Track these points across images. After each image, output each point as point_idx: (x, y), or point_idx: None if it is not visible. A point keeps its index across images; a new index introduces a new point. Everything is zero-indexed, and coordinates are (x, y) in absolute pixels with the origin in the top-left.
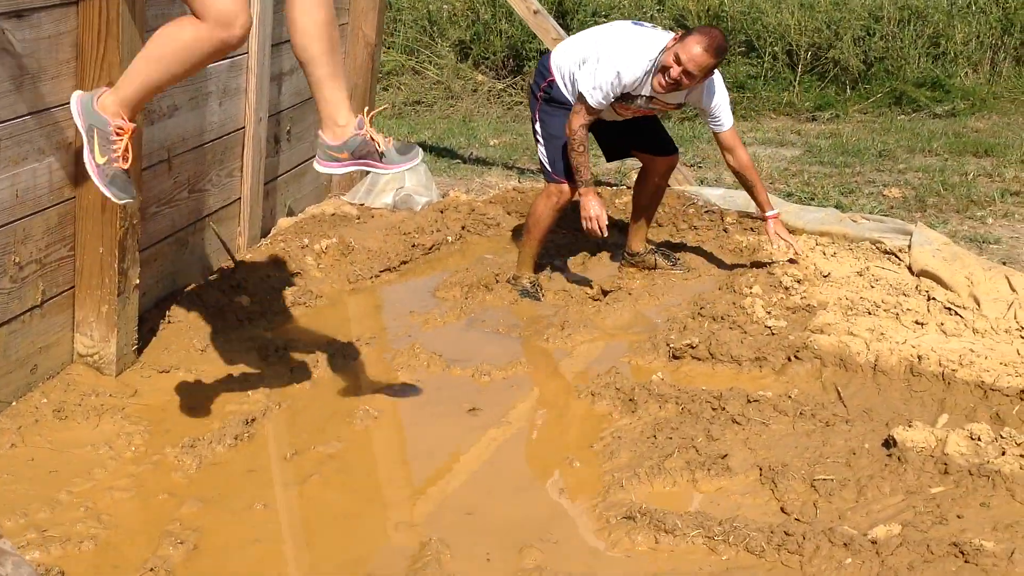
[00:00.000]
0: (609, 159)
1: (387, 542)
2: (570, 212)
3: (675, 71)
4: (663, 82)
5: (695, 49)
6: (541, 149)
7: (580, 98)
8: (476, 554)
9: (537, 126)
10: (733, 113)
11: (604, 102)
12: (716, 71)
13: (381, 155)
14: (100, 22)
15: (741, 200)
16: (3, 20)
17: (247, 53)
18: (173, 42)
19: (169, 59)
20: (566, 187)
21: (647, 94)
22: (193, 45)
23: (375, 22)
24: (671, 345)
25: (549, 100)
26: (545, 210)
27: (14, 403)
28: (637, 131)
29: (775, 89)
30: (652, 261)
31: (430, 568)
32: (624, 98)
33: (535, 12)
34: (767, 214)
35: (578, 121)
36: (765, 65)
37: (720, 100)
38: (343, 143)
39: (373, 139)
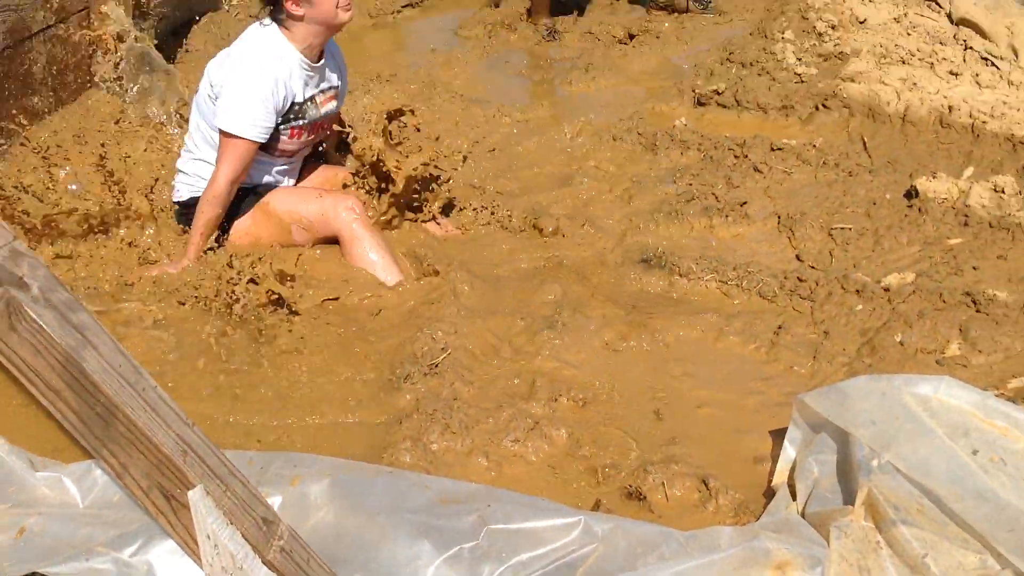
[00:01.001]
0: None
1: (412, 282)
2: None
3: None
4: None
5: None
6: None
7: None
8: (489, 287)
9: None
10: None
11: None
12: None
13: None
14: None
15: None
16: None
17: None
18: None
19: None
20: None
21: None
22: None
23: None
24: (696, 91)
25: None
26: None
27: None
28: None
29: None
30: (683, 4)
31: (446, 299)
32: None
33: None
34: None
35: None
36: None
37: None
38: None
39: None
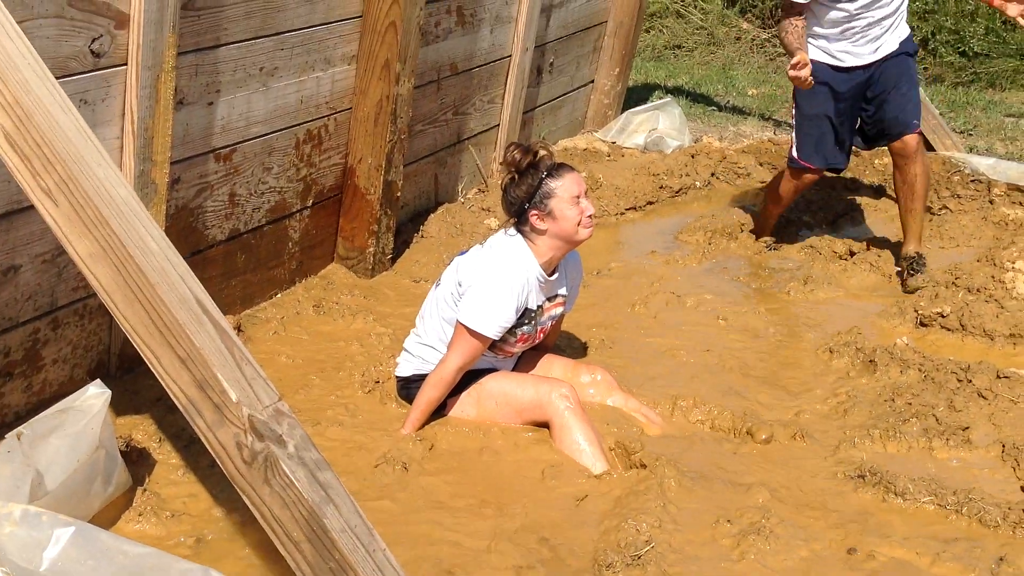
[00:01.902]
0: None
1: (619, 473)
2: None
3: None
4: None
5: None
6: (793, 129)
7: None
8: (697, 485)
9: (794, 104)
10: None
11: None
12: None
13: None
14: None
15: (1012, 172)
16: None
17: None
18: None
19: None
20: (809, 176)
21: None
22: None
23: None
24: (919, 311)
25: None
26: (786, 192)
27: (279, 295)
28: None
29: None
30: (909, 286)
31: (652, 492)
32: None
33: None
34: None
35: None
36: None
37: None
38: None
39: None
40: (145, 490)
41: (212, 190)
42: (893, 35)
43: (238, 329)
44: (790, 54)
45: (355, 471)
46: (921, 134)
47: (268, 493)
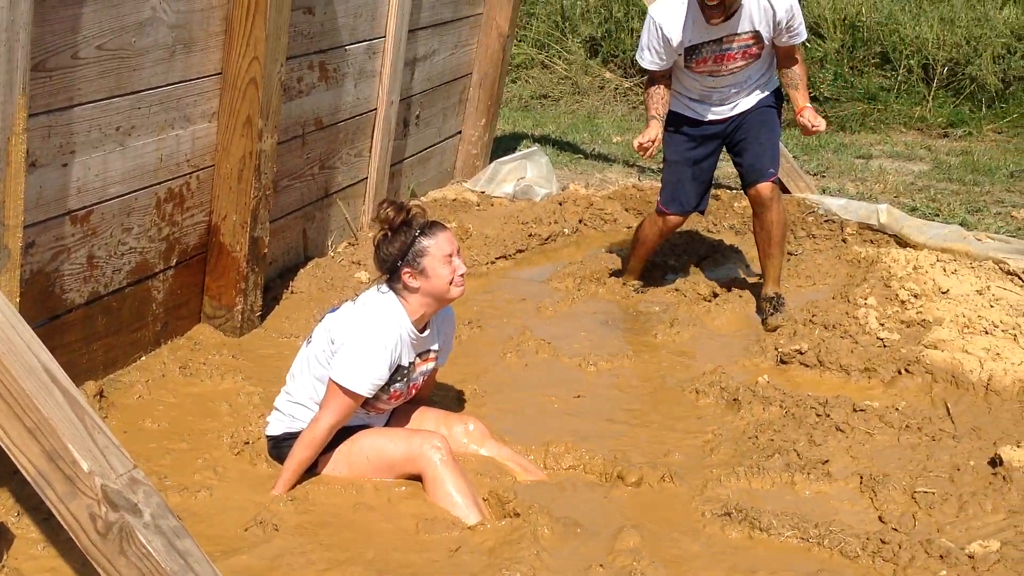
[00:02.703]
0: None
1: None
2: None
3: None
4: (709, 14)
5: None
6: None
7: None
8: (570, 532)
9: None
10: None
11: (662, 60)
12: None
13: None
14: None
15: (862, 212)
16: None
17: (384, 37)
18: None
19: None
20: (672, 218)
21: (709, 38)
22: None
23: (509, 14)
24: (779, 349)
25: (669, 120)
26: (650, 233)
27: (144, 357)
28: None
29: (907, 103)
30: (770, 325)
31: (525, 540)
32: (693, 51)
33: None
34: (801, 108)
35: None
36: (899, 78)
37: (789, 13)
38: None
39: None
40: (4, 566)
41: (69, 253)
42: (751, 96)
43: (100, 395)
44: (646, 122)
45: (225, 535)
46: (777, 182)
47: (124, 565)
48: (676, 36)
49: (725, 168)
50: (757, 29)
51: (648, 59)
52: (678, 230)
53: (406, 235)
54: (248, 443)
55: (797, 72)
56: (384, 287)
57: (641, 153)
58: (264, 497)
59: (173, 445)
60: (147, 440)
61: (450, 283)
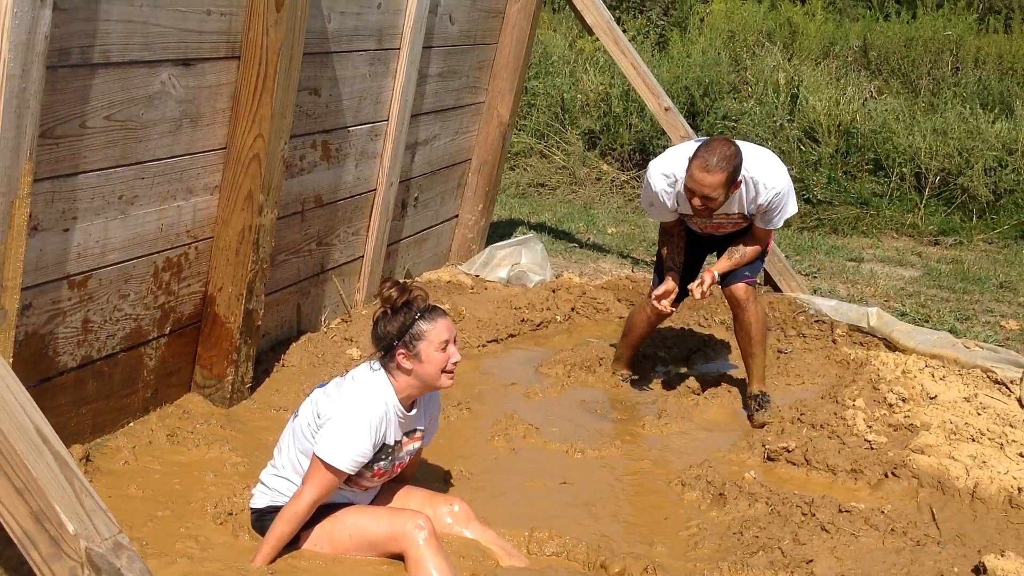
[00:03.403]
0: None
1: None
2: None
3: (696, 202)
4: (698, 211)
5: (697, 174)
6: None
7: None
8: None
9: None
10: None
11: (663, 214)
12: (759, 171)
13: None
14: (258, 78)
15: (852, 314)
16: (171, 67)
17: (387, 121)
18: None
19: None
20: (659, 305)
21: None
22: None
23: (510, 104)
24: (767, 446)
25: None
26: (639, 320)
27: (132, 423)
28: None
29: (899, 209)
30: (756, 421)
31: None
32: (686, 217)
33: (666, 109)
34: (711, 269)
35: (663, 226)
36: (892, 184)
37: (774, 201)
38: None
39: None
40: None
41: (64, 316)
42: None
43: (87, 459)
44: (659, 275)
45: None
46: (753, 284)
47: None
48: (669, 203)
49: None
50: (746, 212)
51: (654, 214)
52: (668, 323)
53: (406, 316)
54: (232, 514)
55: (743, 249)
56: (376, 364)
57: (655, 303)
58: (245, 570)
59: (156, 512)
60: (130, 506)
61: (442, 371)
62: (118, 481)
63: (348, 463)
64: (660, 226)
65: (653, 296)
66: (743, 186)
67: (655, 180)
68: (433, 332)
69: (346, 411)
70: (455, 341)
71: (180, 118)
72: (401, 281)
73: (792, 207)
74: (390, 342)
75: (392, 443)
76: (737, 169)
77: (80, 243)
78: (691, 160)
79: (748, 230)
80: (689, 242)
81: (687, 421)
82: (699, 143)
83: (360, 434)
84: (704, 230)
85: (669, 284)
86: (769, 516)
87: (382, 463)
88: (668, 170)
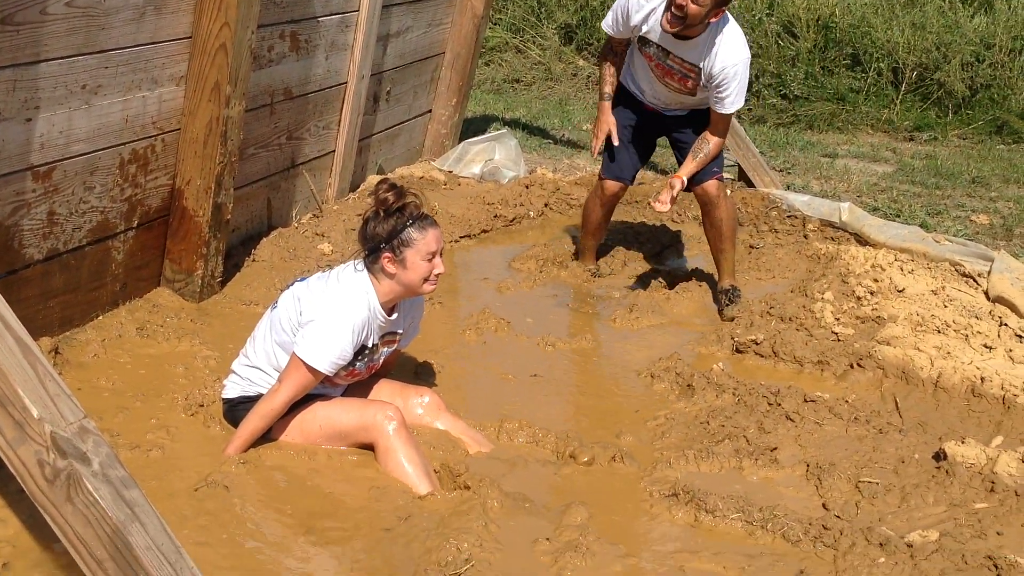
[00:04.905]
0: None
1: (443, 494)
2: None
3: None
4: (669, 17)
5: None
6: None
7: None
8: (519, 507)
9: None
10: (739, 117)
11: (618, 29)
12: (728, 35)
13: None
14: None
15: (824, 209)
16: None
17: (358, 10)
18: None
19: None
20: (608, 184)
21: (660, 43)
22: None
23: None
24: (736, 339)
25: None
26: (591, 202)
27: (101, 317)
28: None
29: (876, 105)
30: (726, 315)
31: (475, 512)
32: (643, 42)
33: None
34: (680, 175)
35: (608, 41)
36: (868, 80)
37: (726, 73)
38: None
39: None
40: None
41: (29, 208)
42: (688, 113)
43: (55, 352)
44: (599, 100)
45: (175, 494)
46: (722, 179)
47: (71, 512)
48: (636, 16)
49: None
50: (699, 65)
51: (609, 22)
52: (641, 218)
53: (397, 221)
54: (203, 406)
55: (707, 145)
56: (360, 265)
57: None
58: (216, 459)
59: (127, 404)
60: (100, 398)
61: (425, 279)
62: (88, 374)
63: (328, 365)
64: (604, 47)
65: (595, 146)
66: (715, 28)
67: None
68: (422, 241)
69: (330, 313)
70: (441, 253)
71: (144, 5)
72: (399, 185)
73: (740, 98)
74: (378, 244)
75: (371, 345)
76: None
77: (43, 133)
78: None
79: (698, 121)
80: (636, 125)
81: (658, 315)
82: None
83: (343, 337)
84: (654, 80)
85: (604, 115)
86: (736, 406)
87: (358, 364)
88: None
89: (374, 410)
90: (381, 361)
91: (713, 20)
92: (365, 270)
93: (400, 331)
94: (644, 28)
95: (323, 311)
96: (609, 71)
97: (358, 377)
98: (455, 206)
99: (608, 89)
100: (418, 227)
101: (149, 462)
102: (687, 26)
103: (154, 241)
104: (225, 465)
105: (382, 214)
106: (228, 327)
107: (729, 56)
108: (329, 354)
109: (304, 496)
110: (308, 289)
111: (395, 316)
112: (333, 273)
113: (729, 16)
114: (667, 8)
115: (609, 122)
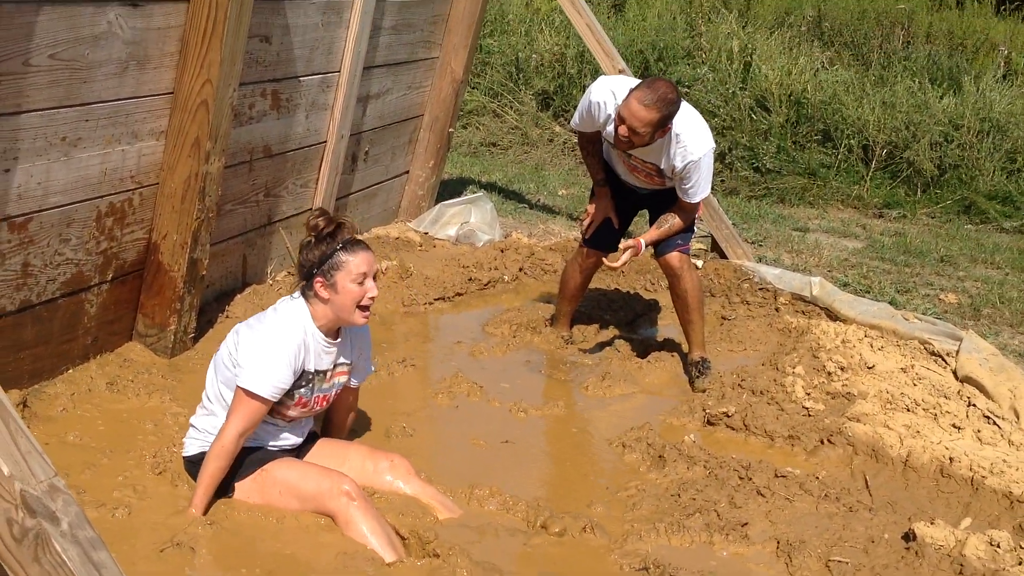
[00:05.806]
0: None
1: (411, 561)
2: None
3: (623, 129)
4: (618, 136)
5: (634, 104)
6: None
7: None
8: (488, 573)
9: None
10: (712, 189)
11: (584, 127)
12: (686, 133)
13: None
14: (207, 22)
15: (796, 283)
16: (118, 6)
17: (339, 71)
18: None
19: None
20: (588, 251)
21: (612, 142)
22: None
23: (464, 60)
24: (707, 410)
25: None
26: (570, 268)
27: (71, 370)
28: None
29: (846, 181)
30: (697, 387)
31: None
32: (609, 140)
33: (620, 72)
34: (640, 238)
35: (581, 138)
36: (839, 156)
37: (688, 168)
38: None
39: None
40: None
41: (4, 259)
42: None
43: (24, 405)
44: (593, 188)
45: (141, 555)
46: (686, 252)
47: (38, 572)
48: (599, 118)
49: None
50: (660, 166)
51: (576, 120)
52: (615, 287)
53: (327, 246)
54: (171, 463)
55: (673, 219)
56: (297, 293)
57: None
58: (183, 518)
59: (94, 460)
60: (68, 454)
61: (356, 304)
62: (56, 428)
63: (269, 389)
64: (579, 139)
65: (588, 229)
66: (668, 137)
67: (597, 90)
68: (352, 263)
69: (264, 338)
70: (375, 277)
71: (127, 60)
72: (329, 212)
73: (705, 187)
74: (310, 270)
75: (313, 371)
76: (670, 116)
77: (21, 184)
78: (632, 89)
79: (673, 199)
80: (617, 197)
81: (630, 384)
82: (648, 79)
83: (279, 360)
84: (625, 171)
85: (600, 200)
86: (707, 479)
87: (303, 390)
88: (614, 87)
89: (331, 483)
90: (334, 394)
91: (660, 137)
92: (301, 297)
93: (349, 361)
94: (607, 129)
95: (258, 338)
96: (594, 159)
97: (307, 409)
98: (430, 268)
99: (601, 176)
100: (348, 250)
101: (115, 522)
102: (635, 147)
103: (128, 295)
104: (192, 526)
105: (314, 241)
106: (199, 384)
107: (689, 153)
108: (269, 377)
109: (271, 560)
110: (247, 325)
111: (339, 340)
112: (271, 307)
113: (684, 110)
114: (616, 126)
115: (605, 209)
